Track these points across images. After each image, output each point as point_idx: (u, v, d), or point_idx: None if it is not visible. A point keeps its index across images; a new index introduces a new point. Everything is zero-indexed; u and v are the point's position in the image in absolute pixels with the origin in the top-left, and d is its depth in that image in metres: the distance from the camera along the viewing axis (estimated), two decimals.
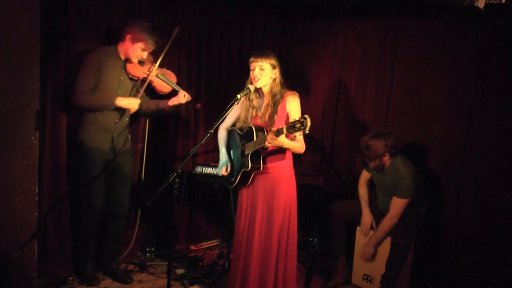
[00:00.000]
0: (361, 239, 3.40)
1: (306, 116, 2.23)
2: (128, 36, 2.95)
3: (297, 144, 2.58)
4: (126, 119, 3.14)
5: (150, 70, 3.07)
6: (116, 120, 3.04)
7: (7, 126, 2.82)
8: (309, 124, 2.21)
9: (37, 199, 2.97)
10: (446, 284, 3.40)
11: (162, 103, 3.18)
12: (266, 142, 2.44)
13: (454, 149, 3.44)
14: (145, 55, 3.02)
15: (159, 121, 3.75)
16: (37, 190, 2.97)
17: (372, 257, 3.30)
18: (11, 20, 2.74)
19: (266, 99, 2.72)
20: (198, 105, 3.27)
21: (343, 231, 3.43)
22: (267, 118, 2.68)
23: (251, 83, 2.67)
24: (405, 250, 3.13)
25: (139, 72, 3.06)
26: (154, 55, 3.15)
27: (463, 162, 3.37)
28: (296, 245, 2.78)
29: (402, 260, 3.14)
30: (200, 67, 3.92)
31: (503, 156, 3.12)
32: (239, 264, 2.75)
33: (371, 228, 3.33)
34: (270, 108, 2.68)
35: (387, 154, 3.19)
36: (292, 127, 2.27)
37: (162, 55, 3.06)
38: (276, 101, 2.66)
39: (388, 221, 3.17)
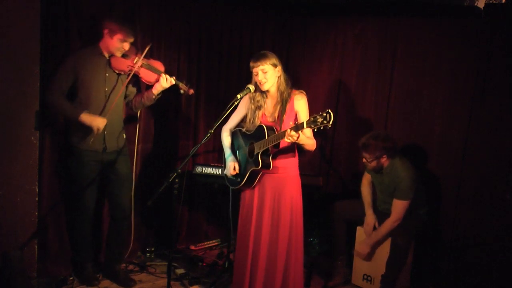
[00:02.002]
0: (361, 239, 3.39)
1: (329, 110, 2.21)
2: (105, 31, 2.92)
3: (311, 141, 2.59)
4: (118, 117, 3.07)
5: (135, 62, 3.01)
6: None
7: (7, 126, 2.82)
8: (332, 118, 2.20)
9: (37, 199, 2.97)
10: (446, 284, 3.40)
11: (147, 93, 3.12)
12: (285, 138, 2.41)
13: (454, 149, 3.43)
14: (126, 46, 2.97)
15: (159, 120, 3.75)
16: (37, 190, 2.97)
17: (368, 256, 3.30)
18: (11, 20, 2.74)
19: (274, 98, 2.71)
20: (191, 91, 3.14)
21: (344, 231, 3.43)
22: (276, 117, 2.68)
23: (253, 84, 2.68)
24: (405, 250, 3.13)
25: (124, 66, 3.01)
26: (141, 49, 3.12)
27: (463, 162, 3.37)
28: (302, 246, 2.79)
29: (402, 260, 3.14)
30: (200, 67, 3.92)
31: (503, 156, 3.12)
32: (246, 266, 2.73)
33: (374, 229, 3.33)
34: (279, 107, 2.68)
35: (384, 156, 3.19)
36: (313, 122, 2.25)
37: (147, 49, 3.02)
38: (284, 99, 2.66)
39: (390, 224, 3.17)
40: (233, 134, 2.89)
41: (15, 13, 2.74)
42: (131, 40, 2.97)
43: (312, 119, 2.26)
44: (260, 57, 2.63)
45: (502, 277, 3.07)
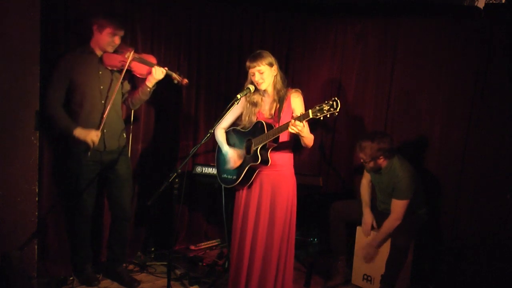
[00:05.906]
0: (361, 239, 3.41)
1: (335, 98, 2.22)
2: (94, 27, 2.93)
3: (311, 135, 2.59)
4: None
5: (126, 56, 2.99)
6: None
7: (7, 126, 2.81)
8: (339, 105, 2.20)
9: (37, 199, 2.97)
10: (446, 284, 3.40)
11: (141, 87, 3.08)
12: (289, 128, 2.39)
13: (454, 149, 3.43)
14: (117, 40, 2.96)
15: (159, 120, 3.74)
16: (37, 190, 2.96)
17: (372, 258, 3.31)
18: (11, 20, 2.73)
19: (271, 96, 2.72)
20: (185, 81, 3.11)
21: (343, 231, 3.43)
22: (273, 113, 2.69)
23: (251, 83, 2.68)
24: (405, 250, 3.13)
25: (116, 61, 2.99)
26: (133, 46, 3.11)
27: (463, 162, 3.37)
28: (294, 245, 2.80)
29: (402, 260, 3.14)
30: (200, 67, 3.92)
31: (503, 156, 3.12)
32: (243, 264, 2.73)
33: (372, 228, 3.33)
34: (276, 104, 2.70)
35: (381, 156, 3.19)
36: (319, 110, 2.25)
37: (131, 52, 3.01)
38: (280, 97, 2.68)
39: (391, 223, 3.18)
40: (228, 133, 2.88)
41: (15, 13, 2.74)
42: (121, 33, 2.97)
43: (317, 108, 2.26)
44: (256, 57, 2.63)
45: (502, 277, 3.07)
